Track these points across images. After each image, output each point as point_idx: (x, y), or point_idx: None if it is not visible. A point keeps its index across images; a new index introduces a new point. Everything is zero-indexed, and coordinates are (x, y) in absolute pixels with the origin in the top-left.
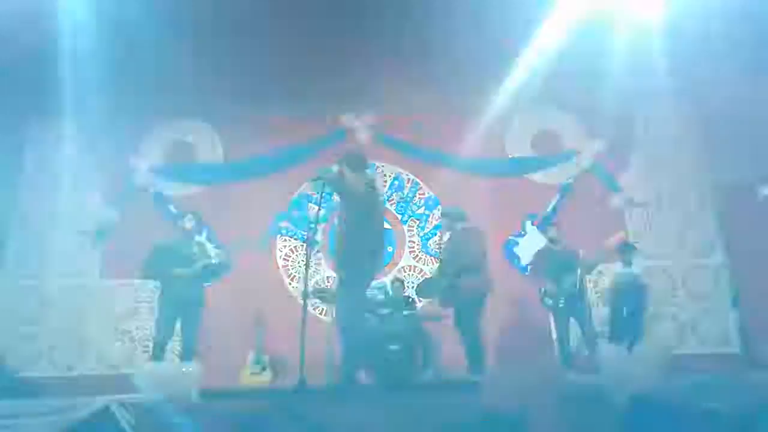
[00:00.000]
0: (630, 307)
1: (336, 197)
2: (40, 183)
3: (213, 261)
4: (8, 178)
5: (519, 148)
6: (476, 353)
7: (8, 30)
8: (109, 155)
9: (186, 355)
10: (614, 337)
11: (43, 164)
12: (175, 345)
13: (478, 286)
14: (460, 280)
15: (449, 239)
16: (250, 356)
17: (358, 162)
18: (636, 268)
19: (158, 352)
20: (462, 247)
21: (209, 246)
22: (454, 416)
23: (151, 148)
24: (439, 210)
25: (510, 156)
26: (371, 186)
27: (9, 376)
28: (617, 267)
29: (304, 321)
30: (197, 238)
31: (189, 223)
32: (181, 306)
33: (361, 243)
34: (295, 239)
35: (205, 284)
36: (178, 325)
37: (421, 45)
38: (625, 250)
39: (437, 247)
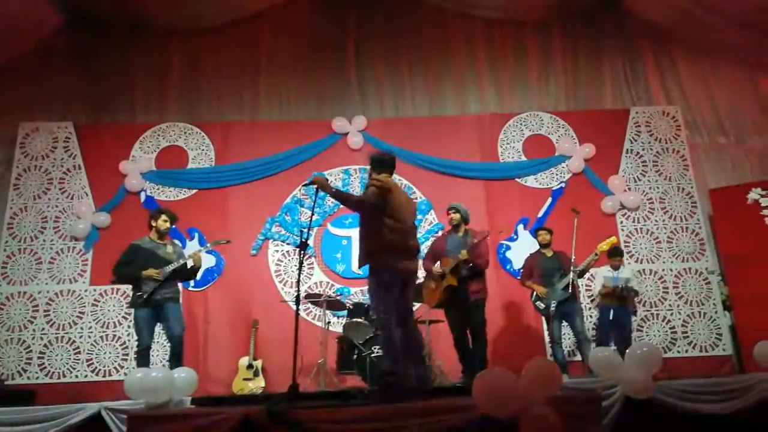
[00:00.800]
0: (617, 312)
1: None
2: (29, 188)
3: (185, 262)
4: None
5: (511, 152)
6: (483, 357)
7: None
8: (100, 159)
9: (171, 360)
10: (601, 341)
11: (32, 168)
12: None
13: (485, 288)
14: (474, 282)
15: (462, 239)
16: (243, 361)
17: (383, 162)
18: (625, 272)
19: (141, 358)
20: (481, 248)
21: (180, 248)
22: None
23: (142, 153)
24: (431, 213)
25: (502, 160)
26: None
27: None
28: (604, 271)
29: (296, 326)
30: (171, 240)
31: (164, 224)
32: (156, 309)
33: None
34: (288, 244)
35: (181, 284)
36: (157, 329)
37: (415, 49)
38: (614, 254)
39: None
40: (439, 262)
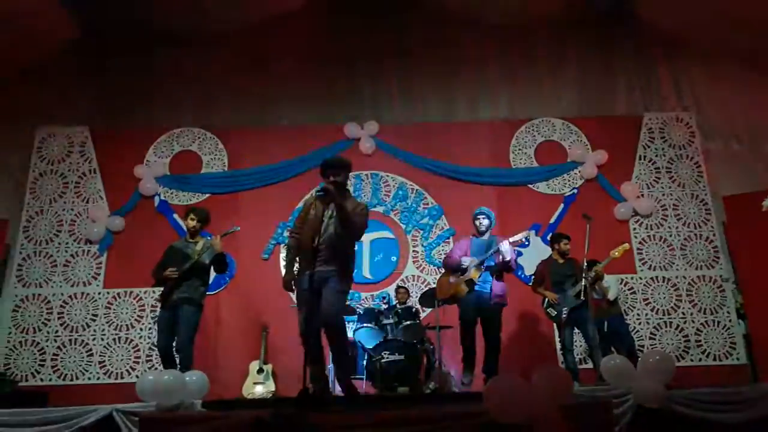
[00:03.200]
0: (611, 322)
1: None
2: (45, 191)
3: (202, 258)
4: (14, 187)
5: (523, 158)
6: (494, 365)
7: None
8: (115, 164)
9: (182, 362)
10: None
11: (48, 172)
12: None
13: (506, 295)
14: (499, 285)
15: (487, 243)
16: (253, 365)
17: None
18: (607, 281)
19: (164, 361)
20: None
21: (208, 241)
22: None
23: (157, 157)
24: (443, 218)
25: (514, 166)
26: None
27: (14, 385)
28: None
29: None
30: (201, 238)
31: (191, 222)
32: (174, 310)
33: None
34: None
35: (198, 285)
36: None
37: (427, 55)
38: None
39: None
40: (455, 279)
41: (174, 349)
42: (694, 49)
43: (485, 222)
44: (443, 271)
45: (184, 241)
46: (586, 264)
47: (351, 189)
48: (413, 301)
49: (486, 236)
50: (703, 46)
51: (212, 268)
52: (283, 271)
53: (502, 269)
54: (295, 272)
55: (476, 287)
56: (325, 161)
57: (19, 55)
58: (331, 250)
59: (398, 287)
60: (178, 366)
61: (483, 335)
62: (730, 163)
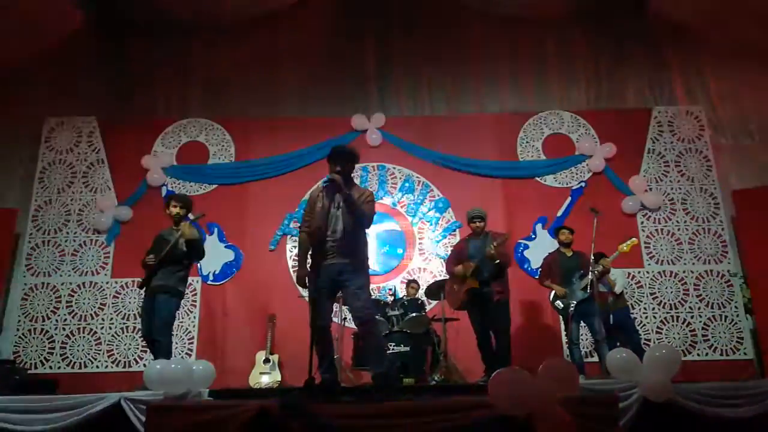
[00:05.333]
0: (617, 315)
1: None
2: (54, 181)
3: (179, 246)
4: (22, 177)
5: (530, 151)
6: (506, 359)
7: (25, 29)
8: (122, 154)
9: (157, 350)
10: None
11: (57, 162)
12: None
13: (507, 289)
14: (497, 283)
15: (482, 242)
16: (259, 355)
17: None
18: (617, 277)
19: (149, 347)
20: (503, 249)
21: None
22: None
23: (164, 148)
24: (449, 211)
25: (521, 159)
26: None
27: (23, 373)
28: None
29: (313, 321)
30: (189, 225)
31: (176, 209)
32: (151, 297)
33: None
34: None
35: (174, 272)
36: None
37: (434, 47)
38: (597, 259)
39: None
40: (461, 265)
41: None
42: (704, 42)
43: (481, 224)
44: (447, 275)
45: (170, 229)
46: (593, 257)
47: (358, 180)
48: (419, 293)
49: (481, 236)
50: (713, 39)
51: (179, 255)
52: (295, 266)
53: (499, 268)
54: (308, 266)
55: (478, 290)
56: (332, 150)
57: (27, 46)
58: (343, 242)
59: (410, 281)
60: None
61: (493, 334)
62: (740, 157)
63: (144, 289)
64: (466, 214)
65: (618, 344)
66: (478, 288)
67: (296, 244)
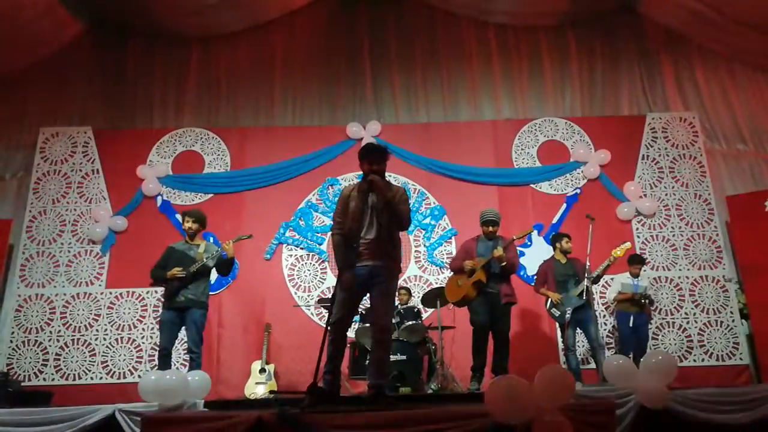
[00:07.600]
0: (637, 318)
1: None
2: (48, 191)
3: (207, 262)
4: (17, 187)
5: (525, 158)
6: (504, 366)
7: (20, 38)
8: (117, 164)
9: (192, 363)
10: (623, 347)
11: (52, 173)
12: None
13: (515, 294)
14: (505, 285)
15: (493, 244)
16: (255, 365)
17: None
18: (643, 280)
19: (161, 360)
20: (510, 253)
21: (213, 248)
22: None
23: (159, 157)
24: (445, 218)
25: (516, 166)
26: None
27: (16, 386)
28: (623, 278)
29: (326, 332)
30: (203, 240)
31: (189, 224)
32: (181, 312)
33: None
34: (301, 248)
35: (204, 287)
36: (181, 332)
37: (429, 55)
38: (634, 261)
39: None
40: (470, 260)
41: (186, 350)
42: (697, 49)
43: (494, 230)
44: (449, 273)
45: (185, 243)
46: (588, 265)
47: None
48: (415, 301)
49: (491, 240)
50: (706, 46)
51: (215, 270)
52: (291, 276)
53: (505, 272)
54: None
55: (488, 289)
56: (366, 147)
57: (23, 56)
58: (378, 243)
59: (400, 288)
60: (186, 366)
61: (492, 335)
62: (734, 163)
63: (168, 301)
64: (479, 214)
65: (632, 348)
66: (484, 283)
67: (291, 253)
